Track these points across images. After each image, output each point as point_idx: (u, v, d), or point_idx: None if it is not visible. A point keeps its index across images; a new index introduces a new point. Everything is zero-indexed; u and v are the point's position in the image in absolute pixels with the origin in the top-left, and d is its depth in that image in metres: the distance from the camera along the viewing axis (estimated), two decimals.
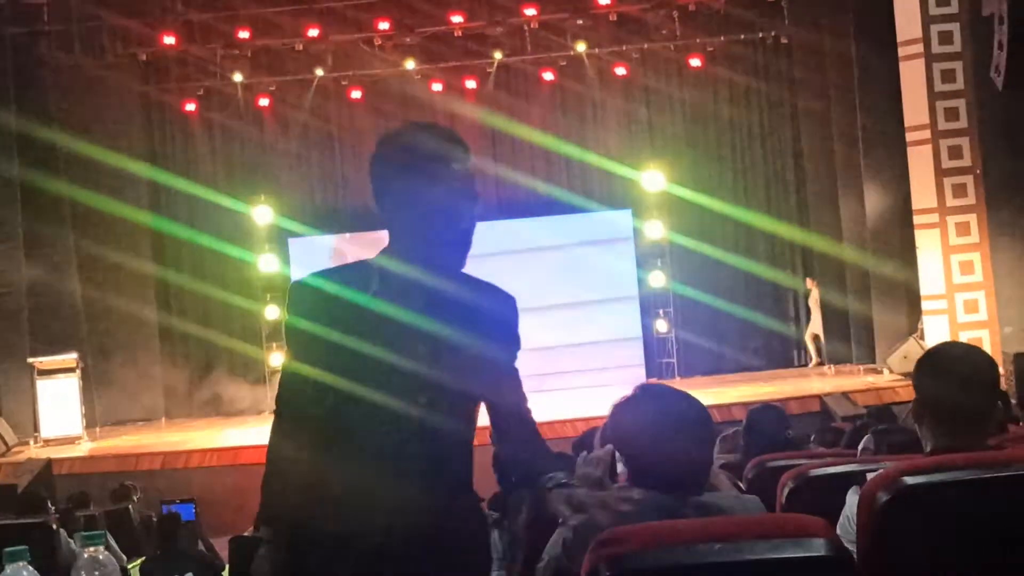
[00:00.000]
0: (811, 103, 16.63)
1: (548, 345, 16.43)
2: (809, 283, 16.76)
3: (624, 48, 16.93)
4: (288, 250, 17.39)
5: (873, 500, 2.50)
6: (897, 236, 14.59)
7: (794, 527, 2.39)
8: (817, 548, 2.33)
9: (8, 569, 1.81)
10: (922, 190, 13.81)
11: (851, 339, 15.97)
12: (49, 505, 8.03)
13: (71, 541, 6.87)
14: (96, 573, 1.91)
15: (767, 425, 5.33)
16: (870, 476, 2.72)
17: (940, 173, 13.58)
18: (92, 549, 1.94)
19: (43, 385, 14.15)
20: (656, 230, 17.02)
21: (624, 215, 17.41)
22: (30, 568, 1.81)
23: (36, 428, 14.16)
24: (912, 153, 13.89)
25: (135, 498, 10.17)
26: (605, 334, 16.73)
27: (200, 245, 17.16)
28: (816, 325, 16.66)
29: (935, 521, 2.51)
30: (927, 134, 13.62)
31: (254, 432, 14.75)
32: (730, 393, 13.48)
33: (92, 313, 15.85)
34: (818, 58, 16.34)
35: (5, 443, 13.49)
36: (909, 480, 2.52)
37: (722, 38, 16.82)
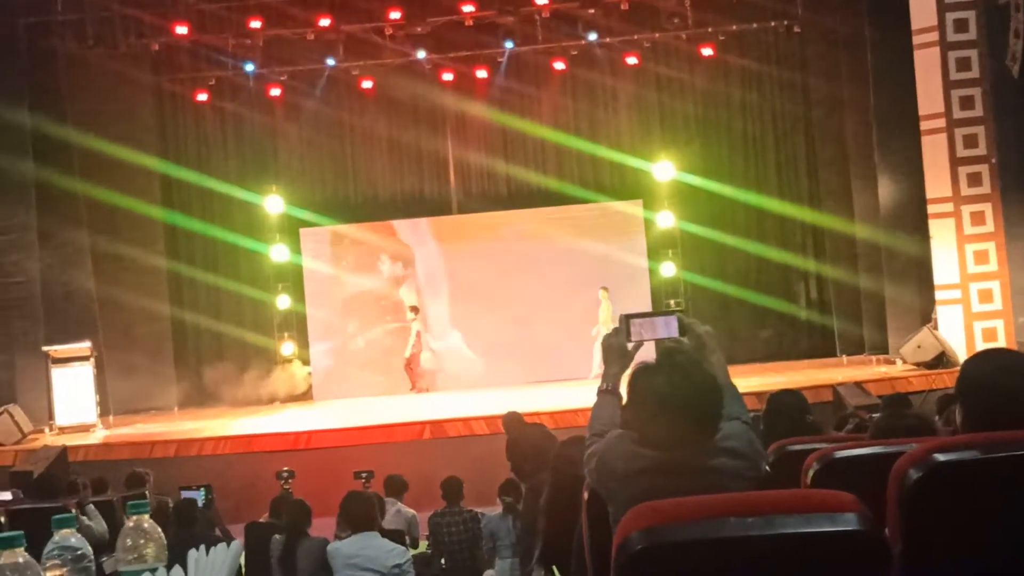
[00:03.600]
0: (824, 91, 16.59)
1: (558, 336, 16.47)
2: (602, 293, 16.59)
3: (635, 37, 16.89)
4: (299, 240, 17.43)
5: (904, 476, 2.52)
6: (911, 221, 14.56)
7: (826, 502, 2.40)
8: (849, 522, 2.34)
9: (56, 536, 1.84)
10: (937, 179, 13.76)
11: (863, 321, 15.94)
12: (81, 488, 8.08)
13: (91, 525, 6.93)
14: (141, 540, 1.94)
15: (788, 409, 5.33)
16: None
17: (955, 162, 13.53)
18: (136, 517, 1.97)
19: (58, 373, 14.20)
20: (667, 220, 17.02)
21: (635, 205, 17.41)
22: (78, 535, 1.84)
23: (51, 416, 14.22)
24: (926, 142, 13.85)
25: (148, 485, 10.20)
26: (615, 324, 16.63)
27: (212, 237, 17.23)
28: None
29: (965, 497, 2.52)
30: (942, 123, 13.57)
31: (266, 421, 14.82)
32: (742, 384, 13.36)
33: (105, 306, 15.88)
34: (831, 46, 16.29)
35: (21, 430, 13.54)
36: (940, 457, 2.53)
37: (734, 27, 16.78)
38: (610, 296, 16.43)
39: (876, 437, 3.94)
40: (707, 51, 16.88)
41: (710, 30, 16.73)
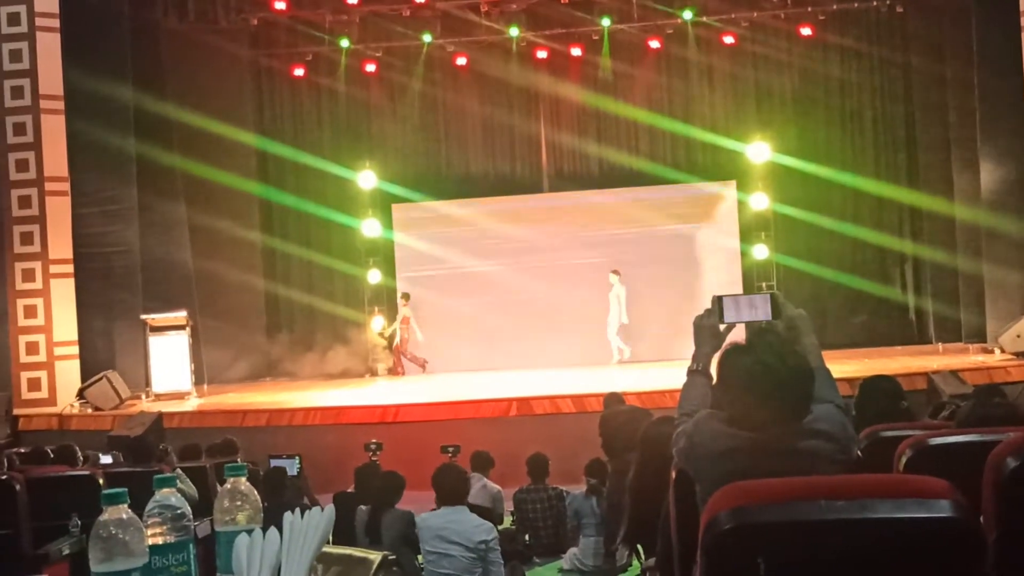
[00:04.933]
0: (926, 70, 16.18)
1: (648, 317, 16.39)
2: (614, 277, 16.31)
3: (733, 16, 16.66)
4: (391, 215, 17.60)
5: (1002, 465, 2.47)
6: (1014, 204, 14.14)
7: (919, 488, 2.35)
8: (942, 509, 2.29)
9: (157, 495, 1.90)
10: None
11: (960, 305, 15.55)
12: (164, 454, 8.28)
13: (184, 488, 7.11)
14: (238, 502, 1.99)
15: (881, 395, 5.23)
16: None
17: None
18: (233, 480, 2.02)
19: (155, 341, 14.53)
20: (760, 201, 16.80)
21: (728, 186, 17.22)
22: (177, 495, 1.90)
23: (148, 383, 14.58)
24: None
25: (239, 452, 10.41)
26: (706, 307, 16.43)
27: (305, 211, 17.48)
28: (615, 319, 16.28)
29: None
30: None
31: (355, 393, 15.02)
32: (834, 369, 13.08)
33: (201, 277, 16.23)
34: (935, 25, 15.88)
35: (119, 396, 13.91)
36: None
37: (834, 6, 16.45)
38: (621, 279, 16.41)
39: (962, 426, 3.86)
40: (806, 31, 16.58)
41: (809, 9, 16.43)
